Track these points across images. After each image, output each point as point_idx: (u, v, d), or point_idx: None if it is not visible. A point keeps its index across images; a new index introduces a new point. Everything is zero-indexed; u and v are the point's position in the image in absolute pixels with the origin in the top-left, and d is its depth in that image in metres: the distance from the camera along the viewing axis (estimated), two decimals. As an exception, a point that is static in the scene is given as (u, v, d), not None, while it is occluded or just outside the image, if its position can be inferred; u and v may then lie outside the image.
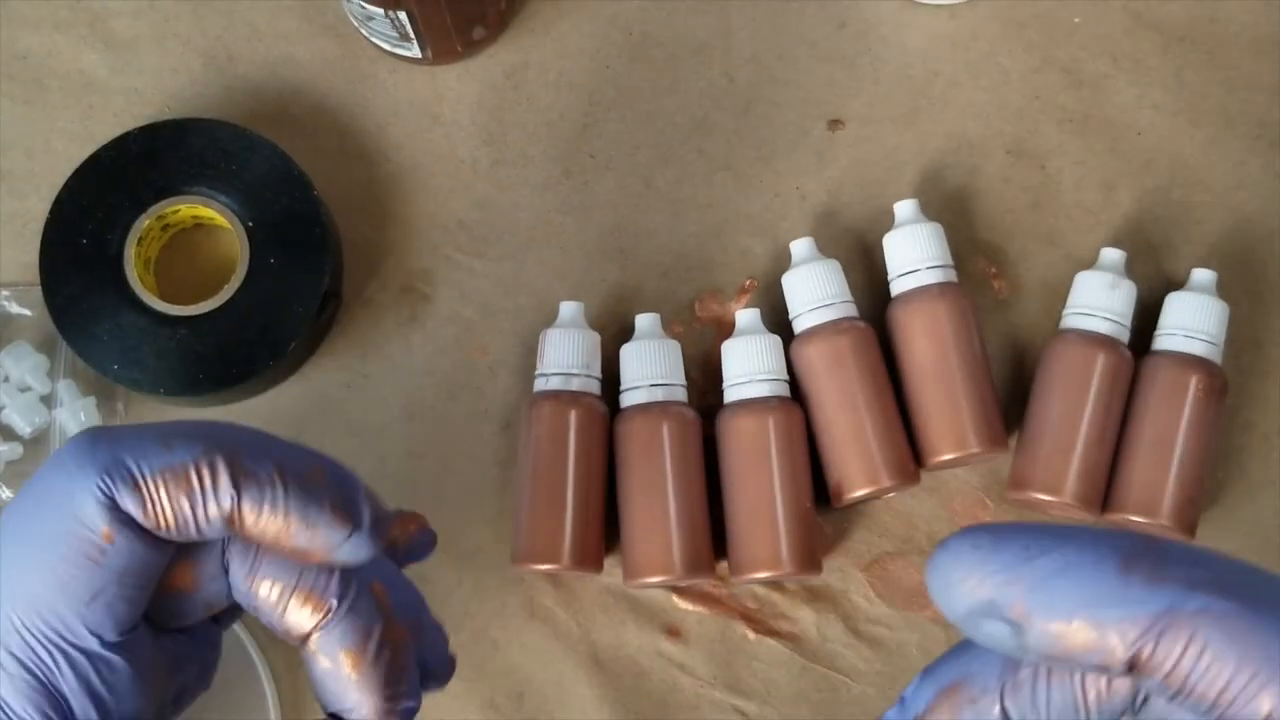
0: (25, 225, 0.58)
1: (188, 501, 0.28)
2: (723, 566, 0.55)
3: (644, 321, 0.55)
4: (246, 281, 0.55)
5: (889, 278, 0.55)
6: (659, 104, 0.60)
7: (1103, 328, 0.54)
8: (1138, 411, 0.53)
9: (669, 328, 0.57)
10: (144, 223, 0.55)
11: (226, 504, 0.28)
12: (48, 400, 0.56)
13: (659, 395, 0.53)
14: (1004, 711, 0.24)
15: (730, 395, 0.54)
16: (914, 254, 0.55)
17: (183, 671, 0.32)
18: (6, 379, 0.56)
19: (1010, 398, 0.56)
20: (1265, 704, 0.21)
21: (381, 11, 0.54)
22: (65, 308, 0.54)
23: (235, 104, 0.59)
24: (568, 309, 0.55)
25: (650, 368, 0.54)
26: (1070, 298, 0.55)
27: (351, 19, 0.58)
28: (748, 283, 0.58)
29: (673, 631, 0.55)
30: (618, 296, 0.58)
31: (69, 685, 0.28)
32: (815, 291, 0.54)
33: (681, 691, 0.54)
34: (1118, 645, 0.22)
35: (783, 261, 0.57)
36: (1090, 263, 0.55)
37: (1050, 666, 0.23)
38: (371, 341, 0.58)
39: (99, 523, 0.27)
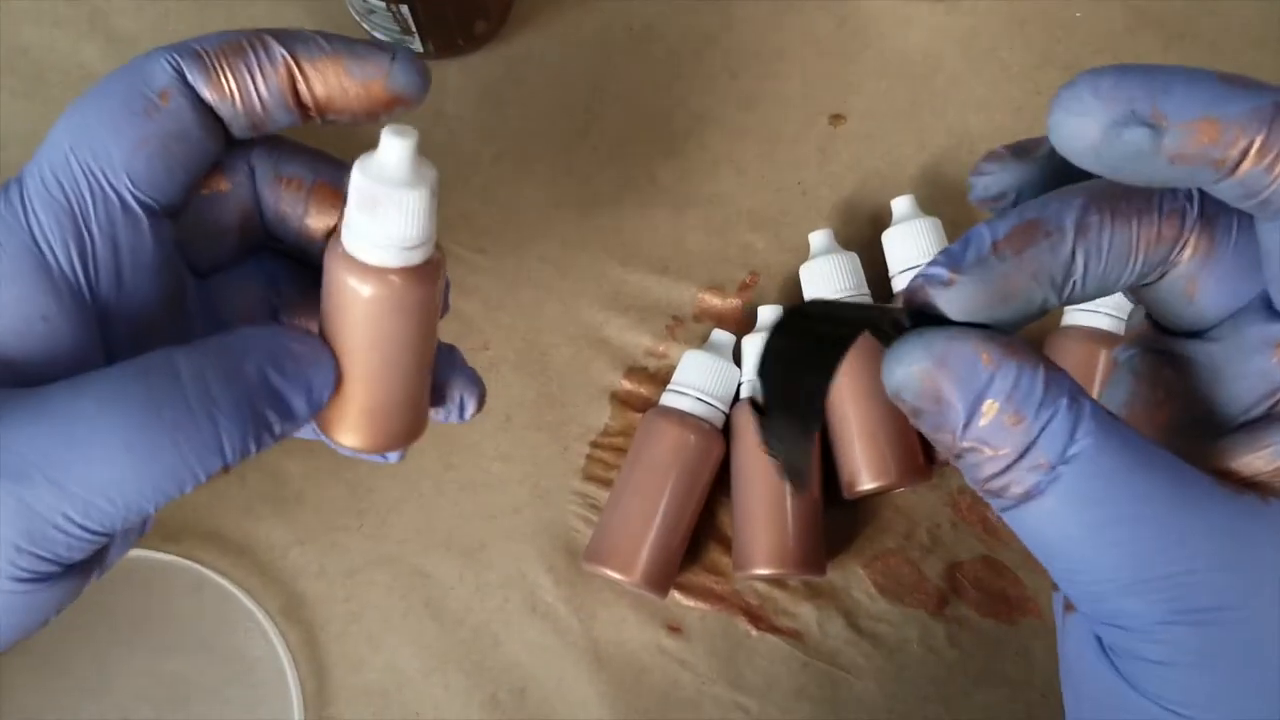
0: (25, 219, 0.57)
1: (245, 67, 0.31)
2: (725, 562, 0.55)
3: (767, 313, 0.56)
4: (247, 276, 0.54)
5: (890, 274, 0.55)
6: (660, 99, 0.60)
7: (1104, 324, 0.54)
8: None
9: (670, 323, 0.57)
10: (144, 217, 0.55)
11: (282, 66, 0.31)
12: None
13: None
14: (1073, 251, 0.28)
15: (748, 390, 0.54)
16: (914, 249, 0.55)
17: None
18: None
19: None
20: None
21: (384, 5, 0.54)
22: (65, 302, 0.54)
23: (236, 98, 0.59)
24: (719, 336, 0.56)
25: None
26: (1072, 293, 0.55)
27: (353, 13, 0.58)
28: (749, 277, 0.58)
29: (674, 628, 0.55)
30: (619, 291, 0.58)
31: (97, 223, 0.30)
32: (833, 283, 0.54)
33: (683, 688, 0.54)
34: (1239, 135, 0.25)
35: (784, 256, 0.57)
36: (1092, 258, 0.55)
37: (1175, 162, 0.26)
38: (372, 336, 0.57)
39: (160, 83, 0.30)
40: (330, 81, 0.32)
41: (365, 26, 0.58)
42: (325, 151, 0.36)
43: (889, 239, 0.55)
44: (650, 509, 0.52)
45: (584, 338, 0.57)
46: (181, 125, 0.30)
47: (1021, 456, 0.27)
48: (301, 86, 0.32)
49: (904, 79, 0.60)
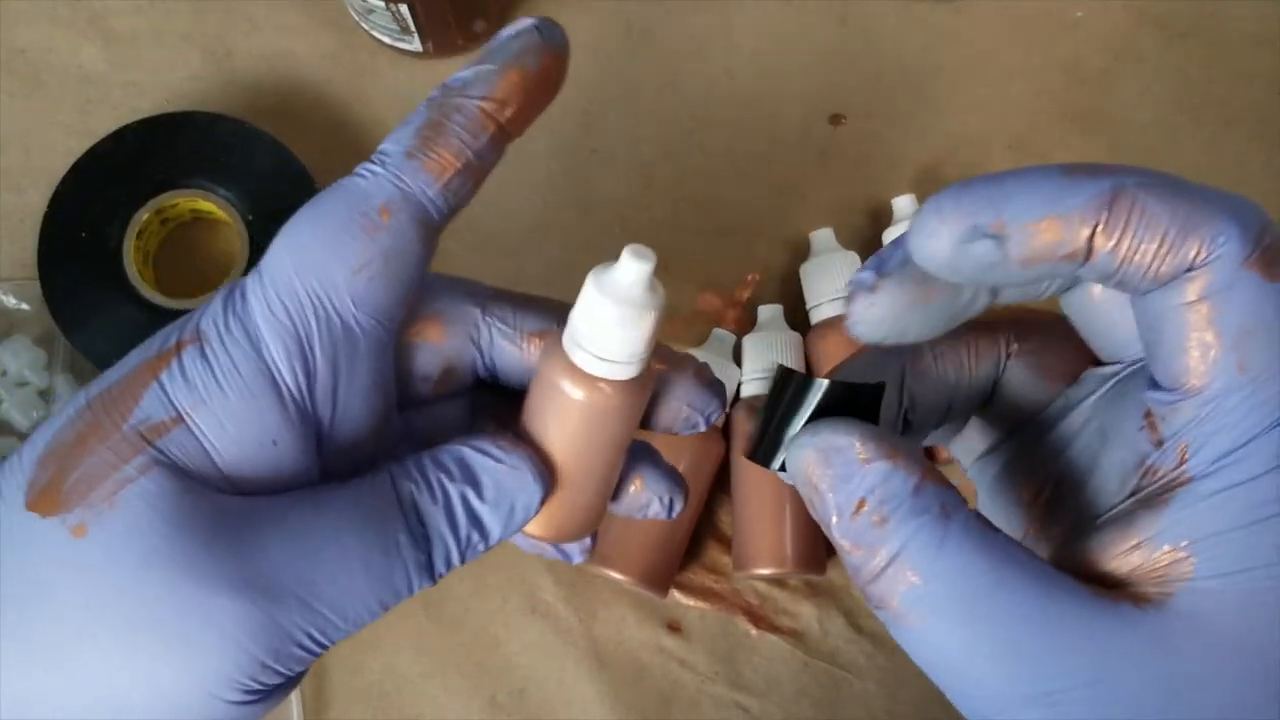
0: (23, 219, 0.57)
1: (469, 139, 0.32)
2: (725, 561, 0.55)
3: (767, 312, 0.56)
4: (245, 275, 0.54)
5: (891, 273, 0.55)
6: (660, 99, 0.59)
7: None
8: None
9: (670, 322, 0.57)
10: (143, 216, 0.55)
11: (478, 115, 0.32)
12: (46, 394, 0.55)
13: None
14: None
15: (748, 389, 0.54)
16: (915, 250, 0.54)
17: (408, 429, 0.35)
18: (4, 373, 0.55)
19: (1013, 393, 0.56)
20: (1193, 241, 0.25)
21: (383, 4, 0.54)
22: (63, 302, 0.54)
23: (234, 98, 0.59)
24: (719, 335, 0.56)
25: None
26: (1073, 293, 0.55)
27: (352, 12, 0.58)
28: (750, 277, 0.58)
29: (674, 627, 0.55)
30: (619, 291, 0.57)
31: (320, 346, 0.30)
32: (834, 282, 0.54)
33: (683, 687, 0.54)
34: (1080, 226, 0.26)
35: (784, 255, 0.57)
36: (1093, 258, 0.55)
37: (1026, 265, 0.27)
38: (371, 336, 0.57)
39: (379, 199, 0.30)
40: (514, 96, 0.32)
41: (364, 26, 0.58)
42: (541, 296, 0.36)
43: (890, 238, 0.55)
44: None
45: (584, 338, 0.57)
46: (401, 240, 0.31)
47: (890, 564, 0.27)
48: (501, 119, 0.33)
49: (904, 79, 0.60)
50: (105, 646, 0.28)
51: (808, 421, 0.29)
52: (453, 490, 0.31)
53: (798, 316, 0.56)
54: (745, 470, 0.53)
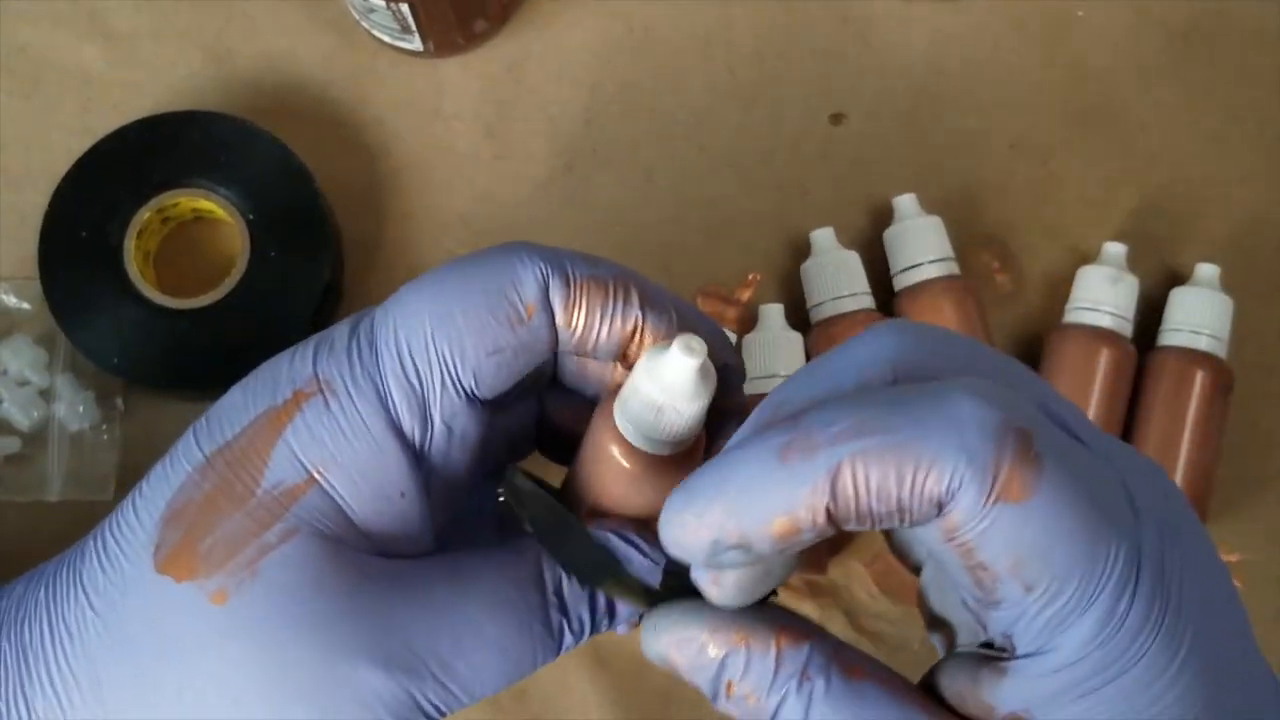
0: (24, 218, 0.57)
1: (600, 310, 0.32)
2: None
3: (768, 312, 0.55)
4: (246, 275, 0.54)
5: (892, 272, 0.55)
6: (661, 99, 0.59)
7: (1106, 322, 0.54)
8: (1143, 408, 0.53)
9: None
10: (144, 215, 0.55)
11: (631, 323, 0.32)
12: (46, 394, 0.55)
13: None
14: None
15: (749, 389, 0.54)
16: (916, 249, 0.54)
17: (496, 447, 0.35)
18: (5, 373, 0.55)
19: (1013, 393, 0.56)
20: (929, 491, 0.25)
21: (383, 3, 0.54)
22: (64, 301, 0.54)
23: (235, 97, 0.59)
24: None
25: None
26: (1073, 292, 0.55)
27: (353, 11, 0.58)
28: (751, 277, 0.58)
29: (675, 627, 0.55)
30: (620, 291, 0.57)
31: (440, 410, 0.31)
32: (835, 282, 0.54)
33: (684, 687, 0.54)
34: (814, 517, 0.26)
35: (785, 255, 0.57)
36: (1093, 257, 0.55)
37: (782, 553, 0.27)
38: (372, 336, 0.57)
39: (529, 296, 0.31)
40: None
41: (365, 25, 0.58)
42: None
43: (891, 238, 0.55)
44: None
45: (584, 337, 0.57)
46: (535, 340, 0.31)
47: None
48: (633, 346, 0.33)
49: (905, 79, 0.60)
50: (252, 714, 0.29)
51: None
52: (592, 623, 0.32)
53: (799, 316, 0.56)
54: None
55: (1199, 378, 0.52)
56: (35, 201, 0.56)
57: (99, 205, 0.55)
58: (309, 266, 0.54)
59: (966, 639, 0.30)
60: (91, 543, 0.32)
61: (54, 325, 0.54)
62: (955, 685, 0.29)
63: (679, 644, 0.29)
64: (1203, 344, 0.53)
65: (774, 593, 0.31)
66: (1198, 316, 0.53)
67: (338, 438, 0.30)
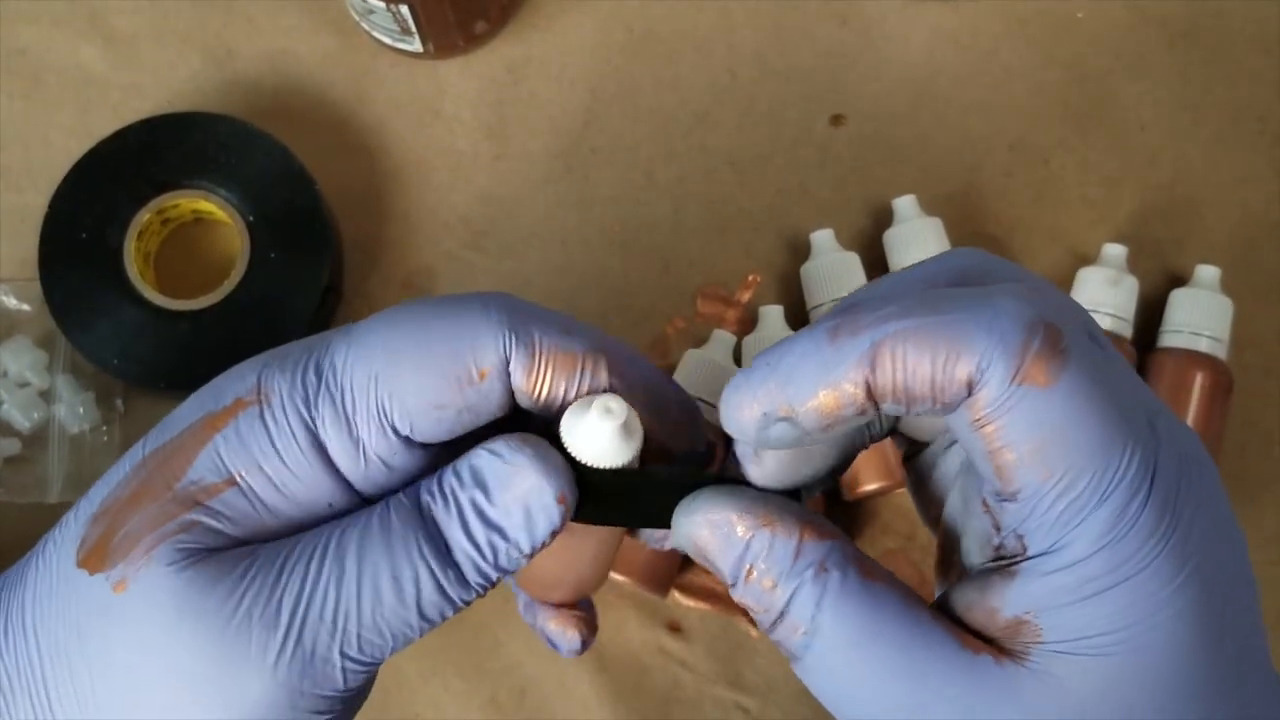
0: (24, 220, 0.57)
1: (565, 382, 0.31)
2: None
3: (768, 313, 0.55)
4: (247, 276, 0.54)
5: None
6: (661, 99, 0.59)
7: (1105, 324, 0.54)
8: (1142, 407, 0.53)
9: (671, 323, 0.57)
10: (144, 217, 0.55)
11: (599, 391, 0.31)
12: (47, 395, 0.55)
13: None
14: (867, 406, 0.29)
15: None
16: (916, 250, 0.54)
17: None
18: (5, 374, 0.55)
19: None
20: (960, 372, 0.27)
21: (383, 5, 0.54)
22: (65, 302, 0.54)
23: (235, 99, 0.59)
24: (720, 337, 0.55)
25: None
26: (1073, 294, 0.55)
27: (353, 13, 0.58)
28: (750, 278, 0.58)
29: (674, 628, 0.55)
30: (619, 291, 0.57)
31: (373, 449, 0.31)
32: (835, 284, 0.54)
33: (683, 688, 0.54)
34: (855, 391, 0.27)
35: (785, 256, 0.57)
36: (1093, 258, 0.55)
37: (826, 431, 0.29)
38: (372, 337, 0.57)
39: (485, 361, 0.30)
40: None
41: (365, 27, 0.58)
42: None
43: (891, 240, 0.55)
44: None
45: (584, 338, 0.57)
46: (484, 401, 0.31)
47: (781, 619, 0.29)
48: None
49: (905, 79, 0.60)
50: (151, 701, 0.29)
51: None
52: (462, 496, 0.31)
53: (798, 318, 0.56)
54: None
55: (1199, 379, 0.52)
56: (35, 203, 0.56)
57: (99, 207, 0.55)
58: (309, 267, 0.54)
59: (981, 559, 0.30)
60: (40, 545, 0.32)
61: (54, 327, 0.54)
62: (964, 598, 0.29)
63: (709, 524, 0.30)
64: (1202, 345, 0.53)
65: (808, 491, 0.32)
66: (1197, 318, 0.53)
67: (265, 447, 0.30)
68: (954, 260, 0.30)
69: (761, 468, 0.31)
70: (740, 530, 0.30)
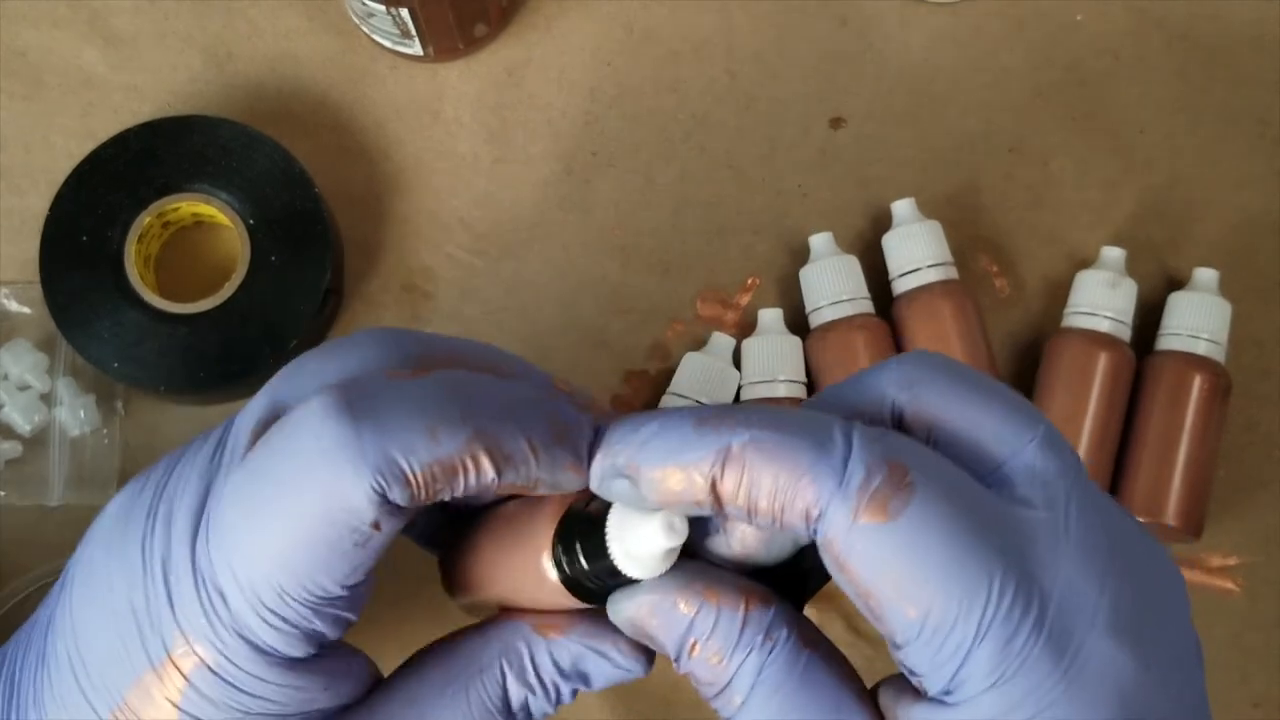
0: (24, 222, 0.57)
1: (450, 488, 0.29)
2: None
3: (767, 316, 0.56)
4: (247, 279, 0.55)
5: (890, 277, 0.55)
6: (660, 101, 0.59)
7: (1104, 326, 0.54)
8: (1142, 411, 0.53)
9: (670, 325, 0.57)
10: (144, 220, 0.55)
11: (486, 483, 0.29)
12: (47, 398, 0.56)
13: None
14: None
15: (747, 393, 0.54)
16: (914, 253, 0.55)
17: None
18: (6, 377, 0.55)
19: (1012, 396, 0.56)
20: (799, 502, 0.26)
21: (383, 8, 0.54)
22: (65, 305, 0.54)
23: (235, 101, 0.59)
24: (719, 339, 0.56)
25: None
26: (1071, 296, 0.55)
27: (353, 16, 0.58)
28: (750, 281, 0.58)
29: (674, 630, 0.55)
30: (619, 294, 0.58)
31: (321, 623, 0.29)
32: (833, 286, 0.54)
33: (684, 690, 0.54)
34: (699, 481, 0.27)
35: (784, 259, 0.57)
36: (1092, 261, 0.55)
37: (660, 503, 0.28)
38: (372, 339, 0.57)
39: (369, 516, 0.28)
40: (522, 491, 0.31)
41: (365, 30, 0.58)
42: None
43: (889, 242, 0.55)
44: None
45: (584, 340, 0.57)
46: (386, 540, 0.29)
47: (724, 690, 0.29)
48: (496, 487, 0.30)
49: (904, 81, 0.60)
50: None
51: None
52: (564, 688, 0.31)
53: (797, 321, 0.56)
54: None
55: (1197, 381, 0.53)
56: (36, 206, 0.57)
57: (100, 210, 0.55)
58: (309, 271, 0.55)
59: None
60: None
61: (55, 329, 0.54)
62: (887, 696, 0.29)
63: (650, 604, 0.29)
64: (1201, 348, 0.53)
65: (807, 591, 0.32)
66: (1196, 320, 0.53)
67: (234, 695, 0.29)
68: (895, 373, 0.29)
69: (727, 542, 0.30)
70: (683, 607, 0.29)
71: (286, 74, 0.59)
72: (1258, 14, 0.60)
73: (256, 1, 0.60)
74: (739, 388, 0.55)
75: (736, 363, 0.55)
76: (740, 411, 0.28)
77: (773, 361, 0.54)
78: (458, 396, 0.29)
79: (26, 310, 0.56)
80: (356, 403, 0.28)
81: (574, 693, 0.31)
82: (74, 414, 0.55)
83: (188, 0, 0.60)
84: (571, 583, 0.30)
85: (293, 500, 0.28)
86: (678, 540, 0.29)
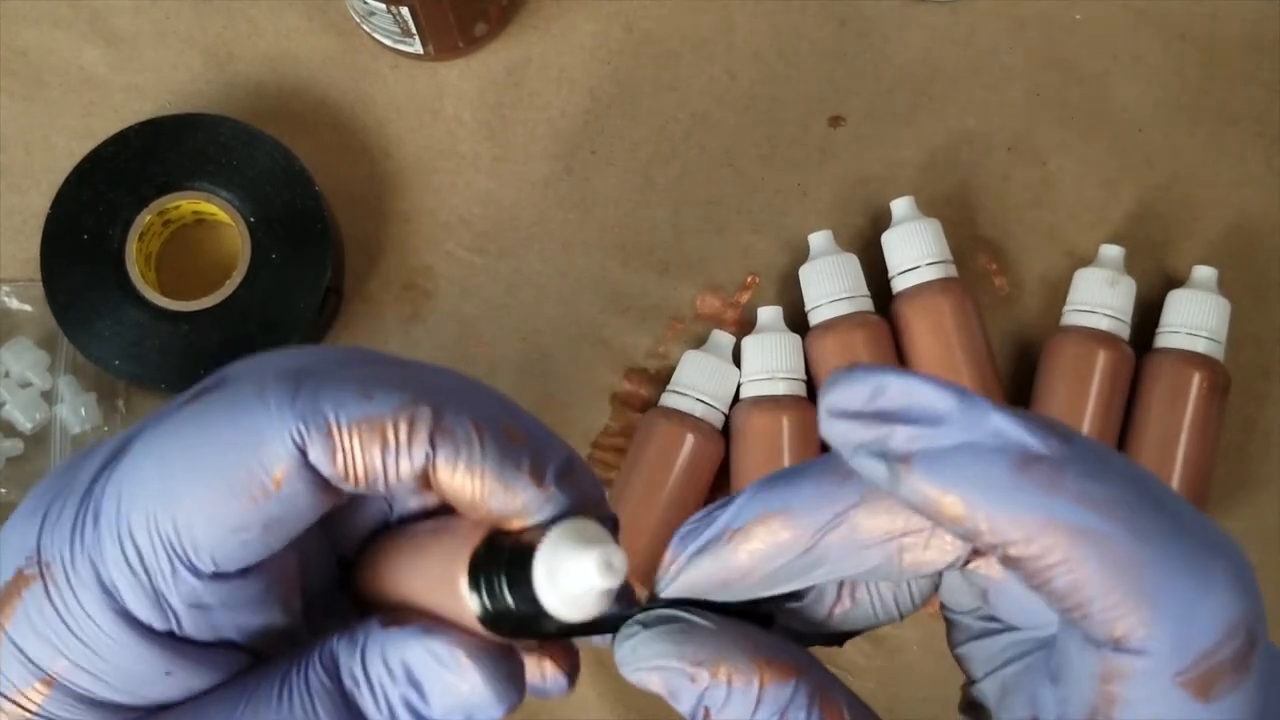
0: (26, 221, 0.57)
1: (379, 455, 0.26)
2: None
3: (766, 314, 0.56)
4: (248, 277, 0.55)
5: (890, 275, 0.56)
6: (660, 100, 0.60)
7: (1103, 324, 0.54)
8: (1140, 409, 0.53)
9: (670, 323, 0.57)
10: (145, 218, 0.55)
11: (420, 461, 0.26)
12: (48, 396, 0.56)
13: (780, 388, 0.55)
14: (814, 553, 0.27)
15: (747, 391, 0.54)
16: (913, 251, 0.55)
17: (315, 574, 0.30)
18: (7, 375, 0.55)
19: (1012, 395, 0.56)
20: (1119, 628, 0.22)
21: (384, 7, 0.54)
22: (66, 303, 0.54)
23: (236, 100, 0.59)
24: (719, 337, 0.56)
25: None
26: (1070, 295, 0.55)
27: (353, 15, 0.58)
28: (749, 279, 0.58)
29: (674, 628, 0.55)
30: (619, 292, 0.58)
31: (176, 597, 0.26)
32: (833, 284, 0.54)
33: (683, 688, 0.54)
34: (986, 532, 0.23)
35: (784, 257, 0.57)
36: (1091, 259, 0.56)
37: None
38: (373, 337, 0.57)
39: (277, 466, 0.25)
40: (464, 495, 0.27)
41: (366, 28, 0.58)
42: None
43: (889, 240, 0.56)
44: (650, 509, 0.53)
45: (584, 338, 0.57)
46: (289, 511, 0.26)
47: None
48: (434, 480, 0.27)
49: (904, 81, 0.60)
50: None
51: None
52: (393, 693, 0.27)
53: (797, 319, 0.56)
54: (745, 471, 0.53)
55: (1196, 379, 0.53)
56: (37, 204, 0.57)
57: (101, 208, 0.55)
58: (310, 269, 0.55)
59: None
60: None
61: (56, 327, 0.55)
62: None
63: (658, 672, 0.27)
64: (1200, 346, 0.53)
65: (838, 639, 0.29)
66: (1195, 318, 0.53)
67: (62, 632, 0.26)
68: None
69: (680, 580, 0.28)
70: (691, 678, 0.27)
71: (287, 73, 0.60)
72: (1257, 14, 0.60)
73: (257, 1, 0.60)
74: (738, 385, 0.55)
75: (736, 360, 0.55)
76: (1081, 467, 0.23)
77: (772, 359, 0.54)
78: (409, 372, 0.27)
79: (28, 308, 0.56)
80: (304, 373, 0.26)
81: (411, 710, 0.27)
82: (75, 411, 0.55)
83: (188, 0, 0.60)
84: (491, 618, 0.26)
85: (206, 436, 0.26)
86: (614, 581, 0.25)
